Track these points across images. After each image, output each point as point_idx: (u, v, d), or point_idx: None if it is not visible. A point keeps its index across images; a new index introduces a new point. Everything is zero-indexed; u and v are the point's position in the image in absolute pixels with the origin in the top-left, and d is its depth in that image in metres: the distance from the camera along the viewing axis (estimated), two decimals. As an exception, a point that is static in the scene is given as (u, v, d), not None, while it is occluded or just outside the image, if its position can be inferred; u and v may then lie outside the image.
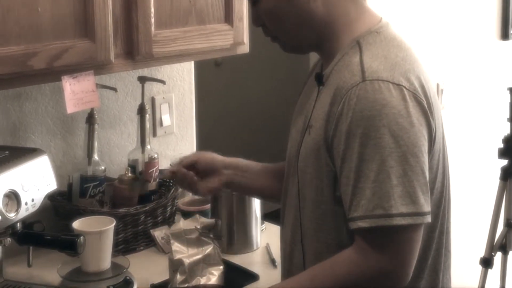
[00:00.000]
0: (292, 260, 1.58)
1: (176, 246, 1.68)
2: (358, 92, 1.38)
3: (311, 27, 1.50)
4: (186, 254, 1.66)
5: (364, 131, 1.37)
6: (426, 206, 1.38)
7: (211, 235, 1.69)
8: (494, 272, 3.16)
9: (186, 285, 1.64)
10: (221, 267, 1.68)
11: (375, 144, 1.36)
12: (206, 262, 1.67)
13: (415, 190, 1.37)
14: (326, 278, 1.43)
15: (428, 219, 1.39)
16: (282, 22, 1.51)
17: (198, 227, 1.70)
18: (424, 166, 1.39)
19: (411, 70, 1.43)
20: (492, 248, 3.09)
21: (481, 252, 3.14)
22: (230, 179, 1.76)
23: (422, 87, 1.44)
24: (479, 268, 3.14)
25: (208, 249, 1.68)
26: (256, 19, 1.55)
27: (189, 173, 1.72)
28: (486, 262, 3.10)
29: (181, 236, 1.69)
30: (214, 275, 1.65)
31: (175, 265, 1.68)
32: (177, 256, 1.67)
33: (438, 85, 3.37)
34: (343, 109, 1.40)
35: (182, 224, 1.73)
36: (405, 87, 1.39)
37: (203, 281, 1.64)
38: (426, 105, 1.42)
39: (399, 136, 1.36)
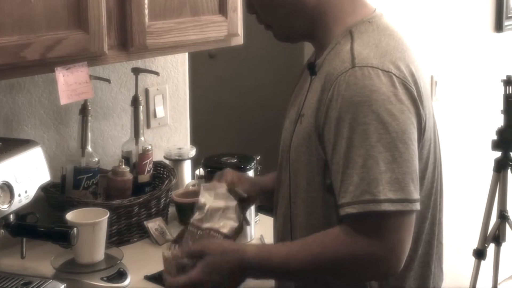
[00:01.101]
0: None
1: (203, 196, 1.67)
2: (347, 78, 1.38)
3: (303, 17, 1.51)
4: (211, 201, 1.66)
5: (353, 116, 1.37)
6: (416, 193, 1.38)
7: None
8: (487, 264, 3.18)
9: (200, 224, 1.61)
10: (237, 225, 1.65)
11: (364, 130, 1.36)
12: (225, 214, 1.65)
13: (404, 176, 1.36)
14: (317, 249, 1.41)
15: (417, 206, 1.38)
16: (274, 11, 1.52)
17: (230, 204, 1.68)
18: (413, 153, 1.39)
19: (402, 58, 1.44)
20: (485, 239, 3.11)
21: (474, 244, 3.15)
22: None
23: (412, 75, 1.44)
24: (472, 259, 3.15)
25: (233, 204, 1.65)
26: (249, 6, 1.56)
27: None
28: (479, 254, 3.12)
29: (210, 189, 1.69)
30: (228, 225, 1.62)
31: (198, 208, 1.67)
32: (203, 201, 1.66)
33: (432, 77, 3.38)
34: (333, 95, 1.40)
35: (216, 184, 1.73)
36: (394, 74, 1.39)
37: (215, 225, 1.61)
38: (415, 93, 1.42)
39: (388, 122, 1.36)
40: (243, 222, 1.71)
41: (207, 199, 1.67)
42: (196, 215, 1.64)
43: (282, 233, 1.59)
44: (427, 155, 1.49)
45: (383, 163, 1.35)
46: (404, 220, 1.38)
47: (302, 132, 1.48)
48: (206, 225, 1.62)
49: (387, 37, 1.47)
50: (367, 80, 1.37)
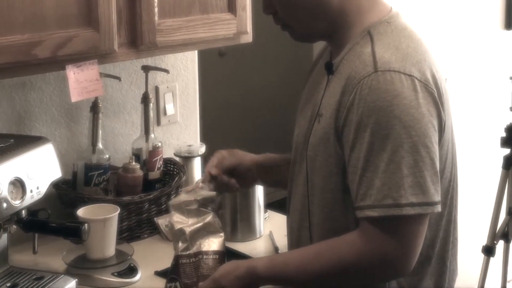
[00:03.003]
0: (300, 246, 1.60)
1: (176, 217, 1.68)
2: (370, 82, 1.39)
3: (324, 16, 1.51)
4: (186, 224, 1.67)
5: (375, 121, 1.38)
6: (436, 196, 1.40)
7: (209, 208, 1.69)
8: (496, 260, 3.17)
9: (187, 252, 1.64)
10: (222, 234, 1.67)
11: (386, 135, 1.37)
12: (206, 230, 1.66)
13: (425, 180, 1.38)
14: (330, 257, 1.45)
15: (439, 208, 1.41)
16: (296, 10, 1.51)
17: (198, 199, 1.70)
18: (434, 156, 1.40)
19: (422, 61, 1.44)
20: (494, 236, 3.11)
21: (483, 241, 3.15)
22: (262, 178, 1.80)
23: (433, 77, 1.45)
24: (481, 256, 3.15)
25: (208, 218, 1.67)
26: (268, 6, 1.54)
27: (231, 180, 1.74)
28: (488, 251, 3.12)
29: (181, 208, 1.69)
30: (214, 242, 1.65)
31: (177, 236, 1.68)
32: (178, 227, 1.68)
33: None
34: (354, 99, 1.41)
35: (182, 196, 1.74)
36: (416, 78, 1.40)
37: (204, 247, 1.64)
38: (437, 96, 1.43)
39: (410, 127, 1.37)
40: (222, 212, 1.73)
41: (181, 223, 1.67)
42: (180, 246, 1.65)
43: (298, 229, 1.60)
44: (445, 155, 1.50)
45: (405, 168, 1.37)
46: (421, 223, 1.41)
47: (320, 132, 1.49)
48: (194, 251, 1.64)
49: (406, 38, 1.47)
50: (390, 85, 1.38)
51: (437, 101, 1.43)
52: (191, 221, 1.67)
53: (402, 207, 1.36)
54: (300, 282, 1.50)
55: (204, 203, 1.70)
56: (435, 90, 1.43)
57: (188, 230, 1.65)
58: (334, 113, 1.45)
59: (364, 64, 1.42)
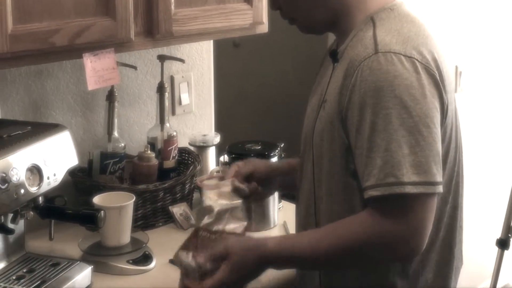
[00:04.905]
0: None
1: (209, 193, 1.66)
2: (371, 64, 1.41)
3: (326, 5, 1.53)
4: (216, 202, 1.65)
5: (376, 101, 1.39)
6: (438, 176, 1.40)
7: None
8: (510, 253, 3.17)
9: (210, 228, 1.62)
10: (245, 222, 1.66)
11: (387, 114, 1.38)
12: (233, 215, 1.64)
13: (427, 160, 1.38)
14: (340, 235, 1.44)
15: (440, 189, 1.41)
16: (297, 3, 1.55)
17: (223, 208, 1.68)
18: (436, 137, 1.41)
19: (424, 44, 1.46)
20: (508, 229, 3.10)
21: (498, 234, 3.14)
22: (283, 184, 1.83)
23: (435, 61, 1.46)
24: (495, 249, 3.14)
25: (237, 203, 1.64)
26: (273, 2, 1.59)
27: (251, 185, 1.74)
28: (502, 244, 3.11)
29: (214, 189, 1.69)
30: (238, 227, 1.63)
31: (203, 212, 1.65)
32: (208, 203, 1.65)
33: (456, 67, 3.37)
34: (356, 80, 1.42)
35: (214, 181, 1.74)
36: (417, 60, 1.42)
37: (229, 228, 1.62)
38: (438, 78, 1.44)
39: (411, 107, 1.38)
40: (251, 220, 1.72)
41: (212, 200, 1.66)
42: (205, 220, 1.63)
43: (305, 217, 1.62)
44: (448, 140, 1.51)
45: (406, 147, 1.37)
46: (427, 202, 1.40)
47: (325, 117, 1.50)
48: (217, 228, 1.63)
49: (408, 23, 1.49)
50: (390, 65, 1.39)
51: (439, 83, 1.44)
52: (221, 201, 1.66)
53: (405, 185, 1.36)
54: (311, 260, 1.48)
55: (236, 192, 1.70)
56: (436, 72, 1.44)
57: (217, 208, 1.64)
58: (337, 96, 1.47)
59: (364, 47, 1.44)
